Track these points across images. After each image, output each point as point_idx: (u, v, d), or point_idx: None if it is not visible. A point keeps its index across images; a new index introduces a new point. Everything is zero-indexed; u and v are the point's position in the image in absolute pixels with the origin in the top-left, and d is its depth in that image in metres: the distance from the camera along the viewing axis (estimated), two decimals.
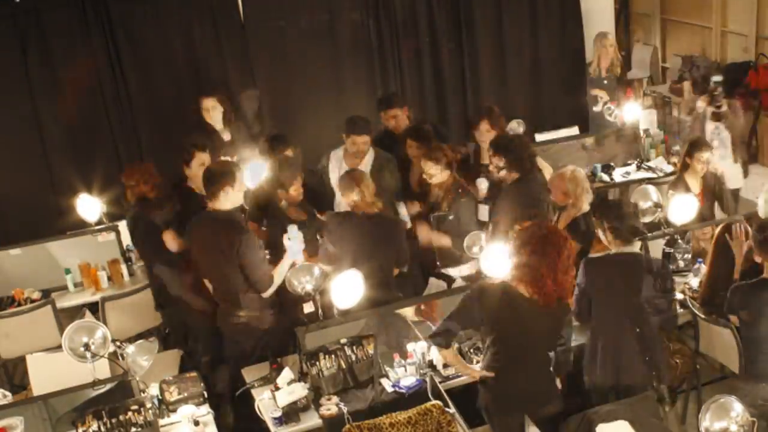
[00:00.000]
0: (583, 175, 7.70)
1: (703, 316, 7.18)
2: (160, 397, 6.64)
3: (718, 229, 7.29)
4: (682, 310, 7.43)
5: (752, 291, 6.46)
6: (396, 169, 8.78)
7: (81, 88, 10.61)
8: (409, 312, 7.40)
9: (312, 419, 6.39)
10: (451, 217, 7.95)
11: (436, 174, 7.94)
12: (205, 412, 6.53)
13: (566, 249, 5.69)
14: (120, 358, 6.42)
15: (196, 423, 6.37)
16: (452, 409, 6.18)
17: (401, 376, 6.69)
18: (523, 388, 5.98)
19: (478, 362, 6.78)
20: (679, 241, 7.91)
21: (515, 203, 7.72)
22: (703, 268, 7.62)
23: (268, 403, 6.48)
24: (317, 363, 6.64)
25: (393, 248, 7.58)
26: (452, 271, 8.16)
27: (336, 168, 8.73)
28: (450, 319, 5.96)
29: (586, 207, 7.58)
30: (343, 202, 7.83)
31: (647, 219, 7.89)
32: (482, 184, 8.39)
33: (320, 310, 6.82)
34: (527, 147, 8.11)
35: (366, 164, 8.61)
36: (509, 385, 5.97)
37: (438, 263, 8.21)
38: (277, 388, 6.44)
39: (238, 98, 10.97)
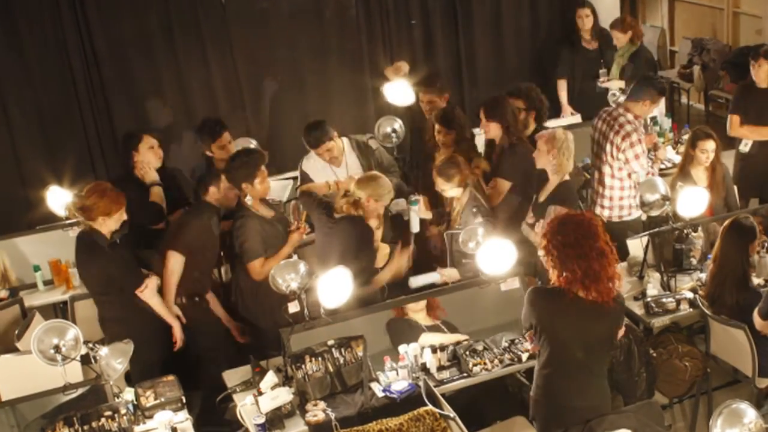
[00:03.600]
0: (566, 136, 7.71)
1: (712, 315, 7.18)
2: (135, 403, 6.60)
3: (725, 224, 7.29)
4: (691, 309, 7.44)
5: None
6: (372, 148, 8.97)
7: (51, 75, 10.57)
8: (420, 318, 7.46)
9: (297, 426, 6.36)
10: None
11: (447, 191, 7.96)
12: (183, 418, 6.50)
13: (600, 228, 5.61)
14: (93, 360, 6.38)
15: (174, 430, 6.35)
16: (452, 413, 6.17)
17: (392, 380, 6.67)
18: (572, 403, 5.88)
19: (475, 365, 6.81)
20: (692, 235, 7.88)
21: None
22: None
23: (250, 408, 6.46)
24: (303, 366, 6.62)
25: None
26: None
27: (318, 168, 8.81)
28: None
29: (569, 167, 7.64)
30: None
31: (654, 212, 7.89)
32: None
33: (306, 310, 6.81)
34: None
35: (349, 155, 8.77)
36: (557, 401, 5.91)
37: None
38: (260, 393, 6.42)
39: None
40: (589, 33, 11.67)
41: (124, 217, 7.21)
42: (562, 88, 11.68)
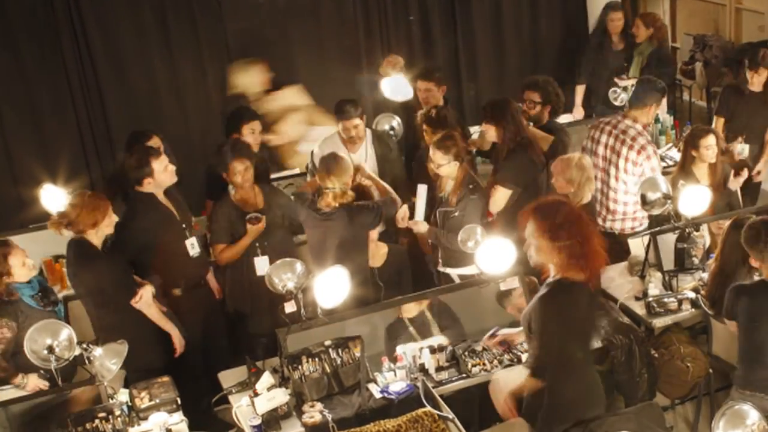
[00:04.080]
0: (590, 163, 7.70)
1: (714, 315, 7.17)
2: (129, 404, 6.59)
3: (727, 223, 7.27)
4: (693, 309, 7.42)
5: (749, 294, 6.43)
6: (395, 144, 9.18)
7: (45, 71, 10.55)
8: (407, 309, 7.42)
9: (294, 427, 6.36)
10: (457, 214, 7.93)
11: (445, 165, 7.89)
12: (178, 419, 6.49)
13: (592, 226, 5.70)
14: (87, 361, 6.38)
15: (169, 431, 6.35)
16: (451, 414, 6.16)
17: (390, 381, 6.67)
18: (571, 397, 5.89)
19: (474, 366, 6.80)
20: (694, 234, 7.86)
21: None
22: None
23: (246, 410, 6.45)
24: (300, 367, 6.62)
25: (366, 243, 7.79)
26: (451, 271, 8.16)
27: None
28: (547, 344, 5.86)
29: (587, 197, 7.59)
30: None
31: (656, 211, 7.87)
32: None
33: (302, 310, 6.80)
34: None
35: (365, 146, 8.83)
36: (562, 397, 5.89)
37: (440, 261, 8.22)
38: (256, 394, 6.41)
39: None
40: (618, 36, 11.61)
41: (114, 218, 7.18)
42: (579, 92, 11.64)
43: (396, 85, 9.67)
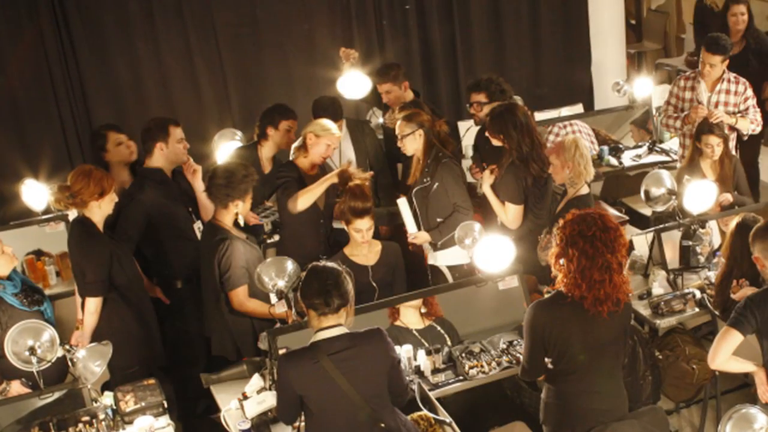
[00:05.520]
0: (585, 145, 7.68)
1: (721, 315, 7.16)
2: (114, 407, 6.56)
3: (733, 223, 7.25)
4: (699, 309, 7.41)
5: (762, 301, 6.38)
6: (371, 131, 9.22)
7: (26, 63, 10.51)
8: (412, 322, 7.37)
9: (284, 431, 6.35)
10: (436, 186, 7.91)
11: (409, 134, 7.88)
12: (164, 423, 6.47)
13: (620, 243, 5.56)
14: (70, 363, 6.37)
15: None
16: (448, 418, 6.16)
17: None
18: (588, 407, 5.85)
19: (471, 368, 6.79)
20: (699, 231, 7.85)
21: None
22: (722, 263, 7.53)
23: (235, 413, 6.44)
24: None
25: None
26: (440, 259, 8.20)
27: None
28: (529, 353, 5.87)
29: (585, 189, 7.58)
30: None
31: (660, 207, 7.87)
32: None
33: (293, 310, 6.79)
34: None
35: (343, 135, 8.83)
36: (572, 405, 5.88)
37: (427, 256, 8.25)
38: (246, 397, 6.39)
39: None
40: (739, 34, 11.11)
41: (116, 198, 7.17)
42: None
43: (352, 81, 9.59)
